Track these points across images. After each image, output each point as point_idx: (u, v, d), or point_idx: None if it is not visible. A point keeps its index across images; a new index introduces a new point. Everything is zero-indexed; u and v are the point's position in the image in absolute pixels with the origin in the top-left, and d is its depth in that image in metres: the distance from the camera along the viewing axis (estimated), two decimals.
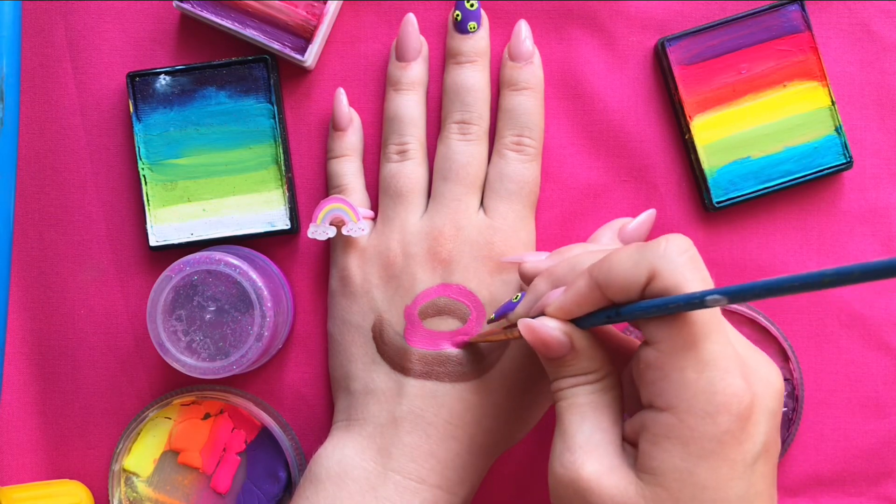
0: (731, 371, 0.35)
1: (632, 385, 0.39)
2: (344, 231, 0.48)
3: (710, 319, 0.35)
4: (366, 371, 0.47)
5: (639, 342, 0.39)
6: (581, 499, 0.37)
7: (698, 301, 0.34)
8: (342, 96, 0.50)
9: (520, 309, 0.42)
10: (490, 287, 0.47)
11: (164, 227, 0.50)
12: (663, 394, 0.36)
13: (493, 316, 0.45)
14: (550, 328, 0.38)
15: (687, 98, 0.50)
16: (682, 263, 0.35)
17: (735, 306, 0.49)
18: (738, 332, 0.38)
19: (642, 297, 0.36)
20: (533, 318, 0.39)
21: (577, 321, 0.39)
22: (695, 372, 0.35)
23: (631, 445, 0.38)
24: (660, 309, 0.35)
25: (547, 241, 0.50)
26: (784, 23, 0.50)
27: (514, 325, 0.41)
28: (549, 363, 0.39)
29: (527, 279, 0.43)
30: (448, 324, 0.46)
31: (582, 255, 0.40)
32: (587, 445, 0.37)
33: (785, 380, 0.49)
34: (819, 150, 0.50)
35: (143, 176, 0.50)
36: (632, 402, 0.40)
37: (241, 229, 0.50)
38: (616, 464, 0.37)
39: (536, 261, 0.43)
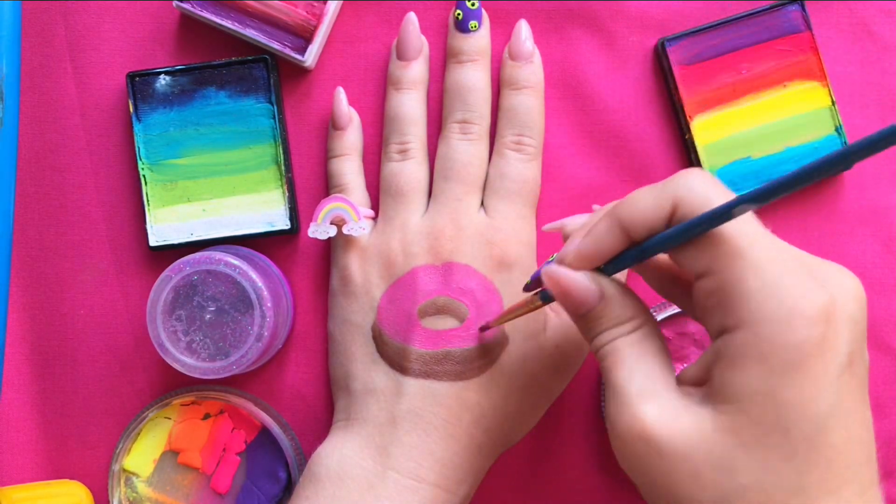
0: (794, 271, 0.33)
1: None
2: (344, 230, 0.48)
3: (752, 230, 0.33)
4: (366, 370, 0.47)
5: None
6: (652, 451, 0.34)
7: (725, 213, 0.32)
8: (341, 95, 0.50)
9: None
10: (490, 286, 0.47)
11: (164, 227, 0.50)
12: (730, 312, 0.33)
13: (528, 281, 0.43)
14: (574, 276, 0.37)
15: (687, 98, 0.50)
16: (704, 188, 0.34)
17: None
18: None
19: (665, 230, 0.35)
20: None
21: (604, 269, 0.37)
22: (755, 279, 0.32)
23: (697, 387, 0.35)
24: (686, 232, 0.34)
25: (547, 240, 0.50)
26: (784, 23, 0.50)
27: (538, 293, 0.40)
28: (583, 320, 0.37)
29: None
30: (447, 323, 0.46)
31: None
32: (643, 395, 0.35)
33: None
34: (819, 150, 0.50)
35: (143, 176, 0.50)
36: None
37: (241, 229, 0.50)
38: (680, 405, 0.34)
39: (581, 219, 0.42)
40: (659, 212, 0.35)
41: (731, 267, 0.33)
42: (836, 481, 0.33)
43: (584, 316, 0.37)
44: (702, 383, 0.35)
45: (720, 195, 0.34)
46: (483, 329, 0.46)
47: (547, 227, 0.44)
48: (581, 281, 0.37)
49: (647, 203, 0.35)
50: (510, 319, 0.44)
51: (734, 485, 0.33)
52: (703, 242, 0.34)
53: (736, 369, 0.33)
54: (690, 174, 0.35)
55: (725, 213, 0.32)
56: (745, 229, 0.33)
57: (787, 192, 0.30)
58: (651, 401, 0.35)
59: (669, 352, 0.37)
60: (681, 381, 0.36)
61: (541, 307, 0.40)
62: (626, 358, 0.36)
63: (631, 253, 0.36)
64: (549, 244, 0.49)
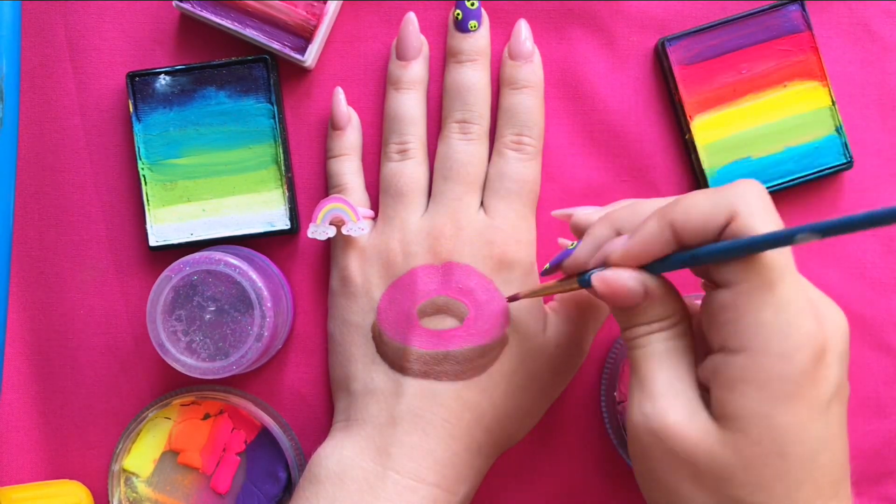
0: (805, 312, 0.35)
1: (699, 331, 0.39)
2: (344, 231, 0.48)
3: (786, 262, 0.35)
4: (365, 371, 0.47)
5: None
6: (662, 446, 0.36)
7: (787, 238, 0.32)
8: (340, 95, 0.50)
9: (579, 254, 0.40)
10: (489, 286, 0.47)
11: (164, 227, 0.50)
12: (737, 335, 0.35)
13: (547, 266, 0.44)
14: (625, 278, 0.37)
15: (687, 98, 0.50)
16: (761, 206, 0.35)
17: None
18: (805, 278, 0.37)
19: (717, 239, 0.35)
20: (593, 267, 0.39)
21: (648, 267, 0.37)
22: (771, 313, 0.34)
23: (703, 390, 0.37)
24: (744, 249, 0.34)
25: (547, 241, 0.50)
26: (784, 23, 0.50)
27: (571, 277, 0.40)
28: (622, 312, 0.38)
29: (579, 230, 0.43)
30: (447, 323, 0.46)
31: (644, 203, 0.39)
32: (668, 393, 0.36)
33: None
34: (819, 150, 0.50)
35: (143, 176, 0.50)
36: (699, 347, 0.39)
37: (241, 229, 0.50)
38: (696, 410, 0.36)
39: (590, 211, 0.43)
40: (713, 220, 0.35)
41: (756, 295, 0.35)
42: (821, 498, 0.36)
43: (625, 310, 0.38)
44: (706, 389, 0.37)
45: (771, 216, 0.35)
46: (511, 299, 0.46)
47: (556, 213, 0.46)
48: (630, 283, 0.37)
49: (702, 209, 0.35)
50: (543, 295, 0.44)
51: (729, 494, 0.35)
52: (744, 260, 0.35)
53: (735, 392, 0.35)
54: (750, 187, 0.35)
55: (790, 238, 0.33)
56: (782, 262, 0.35)
57: (856, 231, 0.31)
58: (671, 399, 0.36)
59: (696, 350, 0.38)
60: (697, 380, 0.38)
61: (576, 290, 0.41)
62: (656, 353, 0.37)
63: (681, 257, 0.36)
64: (548, 243, 0.49)
